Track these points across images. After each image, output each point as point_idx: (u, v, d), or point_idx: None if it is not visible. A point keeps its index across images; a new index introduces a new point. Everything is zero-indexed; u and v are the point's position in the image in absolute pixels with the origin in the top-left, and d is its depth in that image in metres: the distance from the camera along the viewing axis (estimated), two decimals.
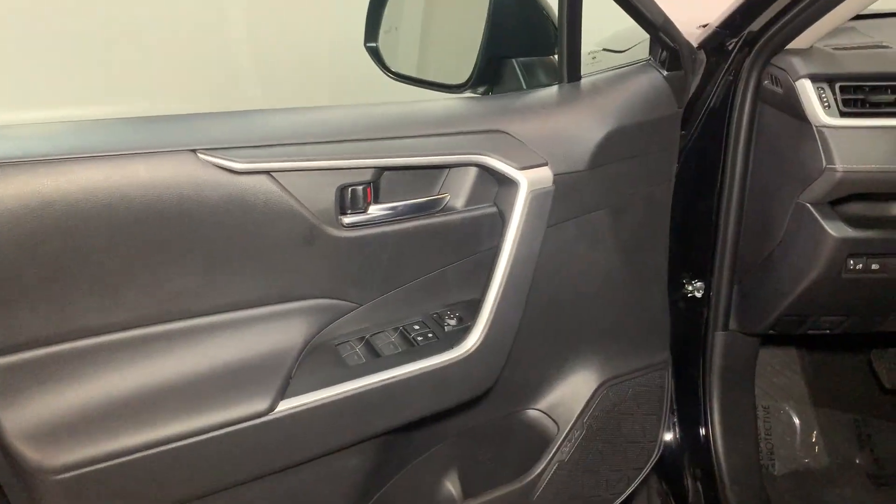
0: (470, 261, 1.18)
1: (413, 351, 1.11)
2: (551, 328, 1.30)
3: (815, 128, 1.29)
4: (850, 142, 1.26)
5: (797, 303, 1.42)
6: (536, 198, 1.12)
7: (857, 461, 1.78)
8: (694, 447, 1.57)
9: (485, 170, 1.13)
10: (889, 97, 1.28)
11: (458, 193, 1.14)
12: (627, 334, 1.39)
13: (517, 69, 1.30)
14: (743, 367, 1.62)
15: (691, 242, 1.55)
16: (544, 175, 1.14)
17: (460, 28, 1.41)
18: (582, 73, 1.27)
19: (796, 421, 1.81)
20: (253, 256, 1.01)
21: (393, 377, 1.07)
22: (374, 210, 1.08)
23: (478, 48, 1.25)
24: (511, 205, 1.13)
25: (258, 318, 1.04)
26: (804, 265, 1.36)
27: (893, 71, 1.28)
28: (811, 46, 1.35)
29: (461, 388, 1.16)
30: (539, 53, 1.30)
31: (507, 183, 1.13)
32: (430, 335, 1.14)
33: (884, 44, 1.35)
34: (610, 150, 1.22)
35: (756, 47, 1.36)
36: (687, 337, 1.60)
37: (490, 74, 1.29)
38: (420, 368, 1.09)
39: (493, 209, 1.15)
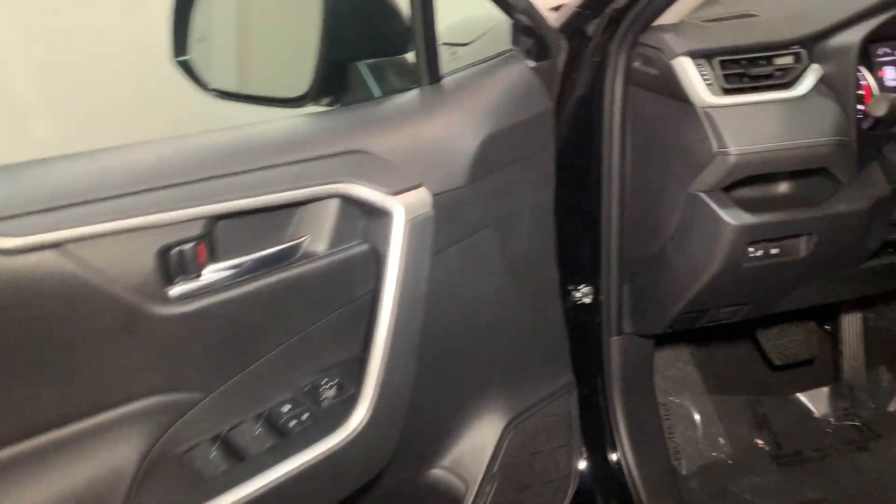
0: (343, 312, 0.95)
1: (286, 443, 0.87)
2: (447, 373, 1.10)
3: (698, 109, 1.17)
4: (738, 121, 1.16)
5: (696, 299, 1.32)
6: (416, 227, 0.92)
7: (759, 443, 1.73)
8: (606, 471, 1.43)
9: (348, 201, 0.91)
10: (767, 69, 1.19)
11: (318, 234, 0.92)
12: (528, 362, 1.23)
13: (365, 74, 1.09)
14: (642, 370, 1.51)
15: (575, 245, 1.41)
16: (421, 198, 0.93)
17: (289, 29, 1.17)
18: (442, 72, 1.08)
19: (695, 414, 1.74)
20: (49, 361, 0.73)
21: (265, 484, 0.83)
22: (211, 272, 0.83)
23: (315, 52, 1.03)
24: (386, 239, 0.91)
25: (69, 440, 0.76)
26: (702, 259, 1.25)
27: (768, 41, 1.19)
28: (681, 20, 1.23)
29: (353, 475, 0.94)
30: (389, 53, 1.10)
31: (377, 214, 0.91)
32: (304, 416, 0.90)
33: (751, 12, 1.26)
34: (488, 158, 1.04)
35: (621, 26, 1.23)
36: (581, 348, 1.46)
37: (334, 82, 1.07)
38: (299, 465, 0.85)
39: (365, 246, 0.94)
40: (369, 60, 1.10)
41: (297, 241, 0.90)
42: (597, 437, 1.42)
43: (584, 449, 1.44)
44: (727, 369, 1.82)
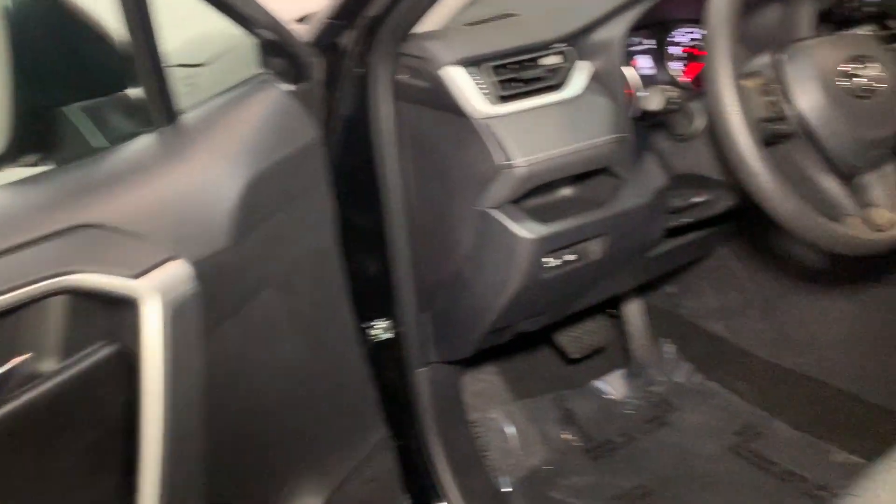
0: (95, 438, 0.73)
1: None
2: (247, 464, 0.92)
3: (476, 121, 1.08)
4: (519, 130, 1.08)
5: (500, 317, 1.24)
6: (177, 311, 0.72)
7: (571, 440, 1.72)
8: None
9: (78, 295, 0.69)
10: (537, 71, 1.13)
11: (42, 346, 0.68)
12: (335, 429, 1.07)
13: (78, 120, 0.86)
14: (454, 398, 1.42)
15: (366, 278, 1.27)
16: (177, 274, 0.74)
17: None
18: (179, 108, 0.88)
19: (507, 425, 1.69)
20: None
21: None
22: None
23: (6, 98, 0.78)
24: (136, 335, 0.71)
25: None
26: (501, 277, 1.17)
27: (535, 41, 1.13)
28: (444, 26, 1.13)
29: None
30: (106, 91, 0.88)
31: (120, 305, 0.70)
32: None
33: (510, 11, 1.20)
34: (253, 208, 0.87)
35: (379, 36, 1.11)
36: (389, 388, 1.33)
37: (38, 136, 0.83)
38: None
39: (110, 349, 0.72)
40: (82, 103, 0.87)
41: (12, 363, 0.66)
42: (421, 488, 1.30)
43: (408, 500, 1.32)
44: (529, 372, 1.79)
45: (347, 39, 1.12)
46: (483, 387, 1.72)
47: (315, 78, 1.06)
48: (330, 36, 1.12)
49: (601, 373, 1.85)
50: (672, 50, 1.33)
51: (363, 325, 1.30)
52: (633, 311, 1.86)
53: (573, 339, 1.75)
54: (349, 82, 1.14)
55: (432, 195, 1.19)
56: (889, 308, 1.42)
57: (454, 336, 1.31)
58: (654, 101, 1.10)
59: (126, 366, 0.71)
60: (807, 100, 1.00)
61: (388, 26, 1.09)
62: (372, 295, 1.27)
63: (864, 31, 1.28)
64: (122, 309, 0.70)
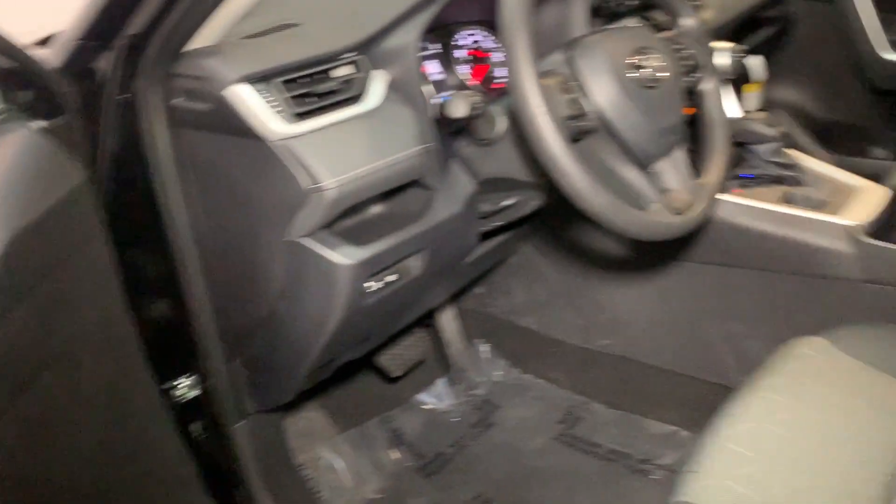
0: None
1: None
2: None
3: (273, 144, 0.97)
4: (323, 149, 0.99)
5: (323, 353, 1.14)
6: None
7: (401, 461, 1.66)
8: None
9: None
10: (331, 83, 1.04)
11: None
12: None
13: None
14: (279, 447, 1.30)
15: (162, 332, 1.11)
16: None
17: None
18: None
19: (336, 460, 1.58)
20: None
21: None
22: None
23: None
24: None
25: None
26: (321, 311, 1.07)
27: (324, 52, 1.04)
28: (221, 41, 1.01)
29: None
30: None
31: None
32: None
33: (290, 21, 1.09)
34: (15, 277, 0.70)
35: (145, 57, 0.96)
36: (204, 452, 1.18)
37: None
38: None
39: None
40: None
41: None
42: None
43: None
44: (352, 399, 1.70)
45: (106, 63, 0.96)
46: (306, 425, 1.61)
47: (70, 110, 0.89)
48: (83, 60, 0.95)
49: (425, 385, 1.81)
50: (457, 54, 1.30)
51: (164, 387, 1.13)
52: (447, 318, 1.84)
53: (392, 356, 1.69)
54: (113, 112, 0.98)
55: (232, 230, 1.06)
56: (684, 286, 1.52)
57: (272, 381, 1.19)
58: (459, 107, 1.06)
59: None
60: (603, 94, 1.01)
61: (155, 45, 0.95)
62: (172, 350, 1.12)
63: (631, 22, 1.35)
64: None
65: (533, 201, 1.22)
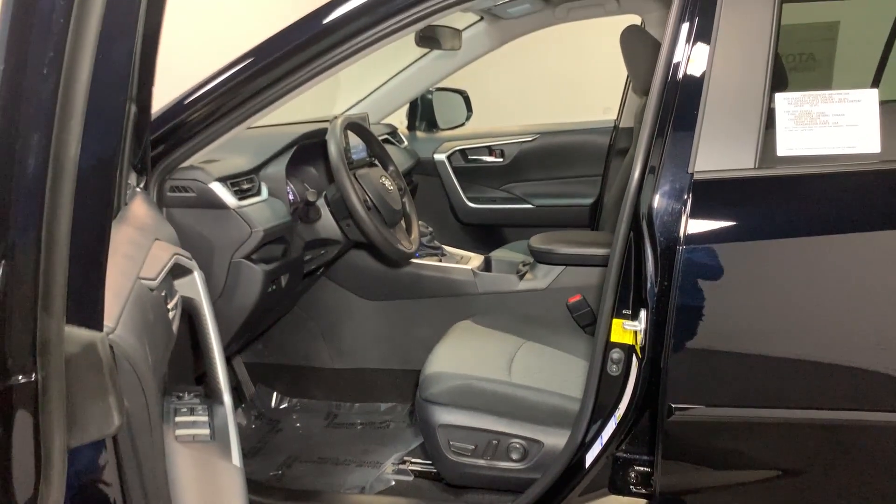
0: None
1: None
2: None
3: (232, 210, 1.98)
4: (253, 213, 2.01)
5: (239, 331, 2.08)
6: None
7: None
8: None
9: None
10: (250, 185, 2.08)
11: None
12: None
13: None
14: None
15: None
16: None
17: None
18: None
19: None
20: None
21: None
22: None
23: None
24: None
25: None
26: (245, 301, 2.03)
27: (240, 171, 2.09)
28: (191, 164, 1.98)
29: None
30: None
31: None
32: None
33: (216, 158, 2.09)
34: None
35: (158, 169, 1.91)
36: None
37: None
38: None
39: None
40: None
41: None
42: None
43: None
44: None
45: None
46: None
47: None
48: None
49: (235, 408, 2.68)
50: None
51: None
52: (240, 368, 2.77)
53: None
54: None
55: (198, 261, 1.99)
56: (392, 314, 2.73)
57: None
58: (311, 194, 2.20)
59: None
60: (373, 192, 2.25)
61: (163, 165, 1.91)
62: None
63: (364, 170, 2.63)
64: None
65: (332, 252, 2.36)
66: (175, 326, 1.30)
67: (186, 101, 1.81)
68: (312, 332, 2.80)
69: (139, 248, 1.23)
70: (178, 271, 1.45)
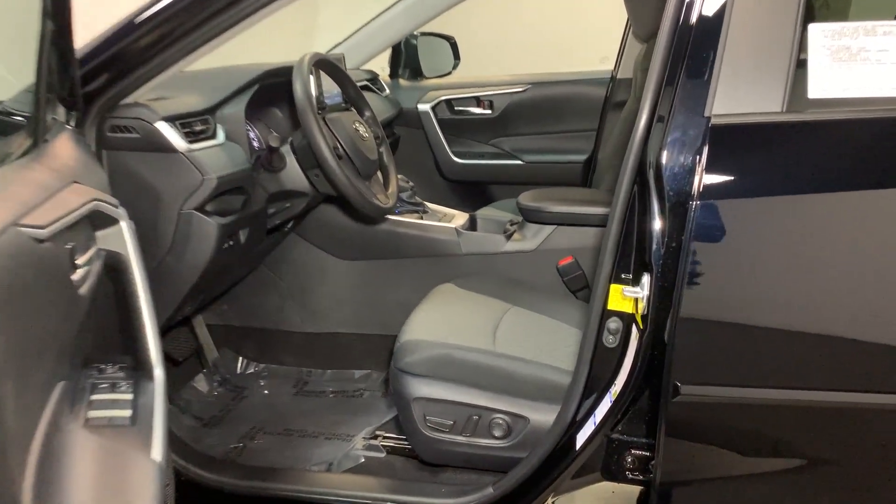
0: None
1: None
2: None
3: (181, 154, 1.74)
4: (205, 158, 1.76)
5: (191, 292, 1.86)
6: None
7: (191, 423, 2.28)
8: None
9: None
10: (201, 127, 1.84)
11: None
12: None
13: None
14: None
15: None
16: None
17: None
18: None
19: None
20: None
21: None
22: None
23: None
24: None
25: None
26: (197, 258, 1.81)
27: (193, 110, 1.84)
28: (135, 101, 1.74)
29: None
30: None
31: None
32: None
33: (165, 96, 1.85)
34: None
35: (96, 105, 1.66)
36: None
37: None
38: None
39: None
40: None
41: None
42: None
43: None
44: None
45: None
46: None
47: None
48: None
49: (195, 373, 2.48)
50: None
51: None
52: (201, 330, 2.55)
53: (173, 348, 2.35)
54: None
55: (142, 211, 1.75)
56: (369, 275, 2.51)
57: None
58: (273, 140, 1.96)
59: None
60: (345, 139, 2.01)
61: (102, 101, 1.66)
62: None
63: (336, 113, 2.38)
64: None
65: (300, 206, 2.13)
66: (87, 286, 1.07)
67: (128, 25, 1.56)
68: (282, 292, 2.59)
69: (39, 191, 1.00)
70: (100, 221, 1.22)
